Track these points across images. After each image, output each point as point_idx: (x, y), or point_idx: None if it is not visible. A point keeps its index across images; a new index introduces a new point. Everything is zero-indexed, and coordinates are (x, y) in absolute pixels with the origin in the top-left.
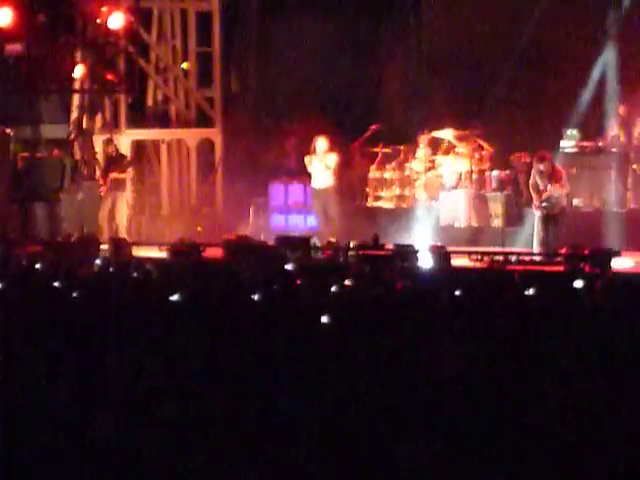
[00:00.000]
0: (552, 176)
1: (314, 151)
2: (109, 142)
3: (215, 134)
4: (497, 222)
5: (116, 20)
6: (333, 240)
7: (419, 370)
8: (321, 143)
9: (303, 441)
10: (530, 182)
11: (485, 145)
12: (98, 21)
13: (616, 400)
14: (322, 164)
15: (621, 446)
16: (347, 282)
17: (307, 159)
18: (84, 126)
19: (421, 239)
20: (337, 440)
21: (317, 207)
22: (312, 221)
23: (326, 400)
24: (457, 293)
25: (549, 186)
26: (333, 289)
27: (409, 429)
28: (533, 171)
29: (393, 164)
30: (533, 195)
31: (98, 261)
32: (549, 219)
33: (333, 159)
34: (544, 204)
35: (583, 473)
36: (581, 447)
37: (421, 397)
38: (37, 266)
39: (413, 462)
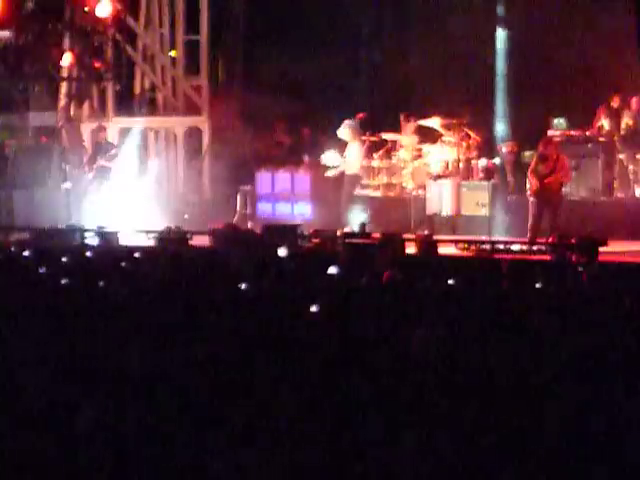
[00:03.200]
0: (556, 163)
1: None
2: (100, 129)
3: (202, 122)
4: (484, 211)
5: (104, 8)
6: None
7: (407, 357)
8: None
9: (287, 429)
10: (530, 167)
11: (472, 134)
12: (86, 9)
13: (603, 387)
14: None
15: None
16: (334, 270)
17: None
18: (72, 114)
19: (408, 227)
20: (323, 429)
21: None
22: (299, 209)
23: (312, 388)
24: (444, 281)
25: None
26: (321, 277)
27: (395, 418)
28: (535, 156)
29: (380, 152)
30: (532, 181)
31: (86, 249)
32: (544, 206)
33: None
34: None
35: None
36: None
37: (408, 384)
38: (25, 253)
39: (404, 450)
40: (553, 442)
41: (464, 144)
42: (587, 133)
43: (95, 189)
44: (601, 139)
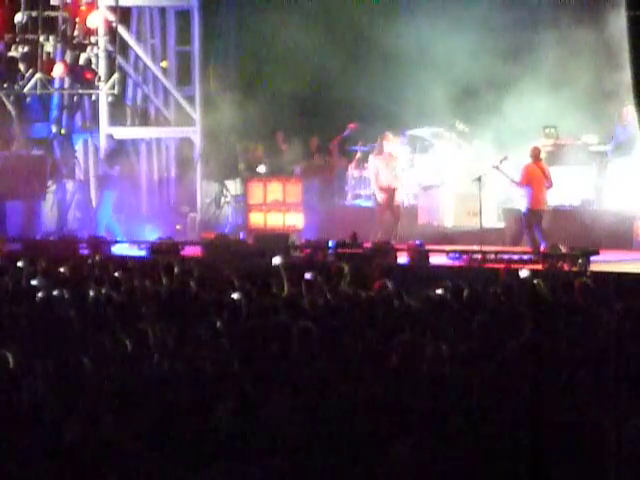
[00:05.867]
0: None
1: (380, 152)
2: (110, 137)
3: (194, 133)
4: (476, 220)
5: (95, 19)
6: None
7: (401, 368)
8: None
9: (282, 442)
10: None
11: (464, 143)
12: (77, 20)
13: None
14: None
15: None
16: (325, 280)
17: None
18: (64, 125)
19: (399, 237)
20: (315, 441)
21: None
22: (291, 219)
23: (304, 401)
24: (436, 291)
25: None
26: (312, 287)
27: (390, 428)
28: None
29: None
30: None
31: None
32: (538, 217)
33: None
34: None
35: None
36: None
37: (400, 395)
38: (18, 264)
39: (399, 460)
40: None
41: (455, 154)
42: (578, 142)
43: (99, 198)
44: (592, 148)
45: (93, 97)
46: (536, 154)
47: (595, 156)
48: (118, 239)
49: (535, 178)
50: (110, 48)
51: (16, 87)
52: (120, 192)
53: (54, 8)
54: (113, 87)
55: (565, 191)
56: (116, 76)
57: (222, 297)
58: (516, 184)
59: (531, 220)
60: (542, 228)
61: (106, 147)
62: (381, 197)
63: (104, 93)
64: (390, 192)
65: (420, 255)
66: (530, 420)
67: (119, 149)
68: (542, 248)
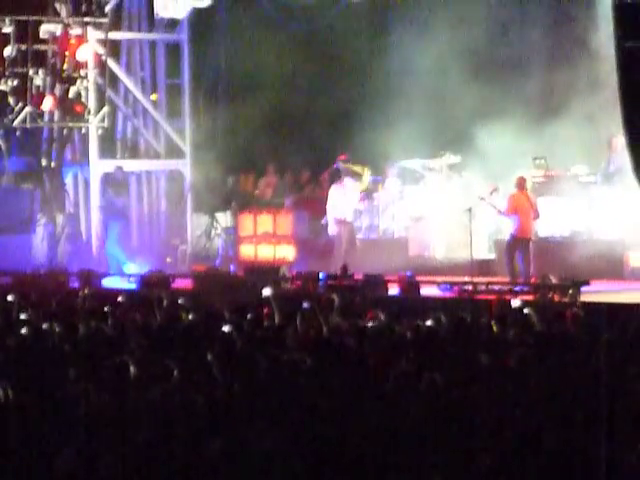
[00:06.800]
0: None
1: (340, 181)
2: (120, 169)
3: (184, 165)
4: (466, 252)
5: (85, 52)
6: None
7: (390, 402)
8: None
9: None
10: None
11: (454, 175)
12: (67, 53)
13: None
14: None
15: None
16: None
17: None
18: (53, 158)
19: (390, 269)
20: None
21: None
22: (281, 251)
23: (295, 433)
24: (427, 323)
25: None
26: (304, 319)
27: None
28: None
29: (362, 194)
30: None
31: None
32: (522, 245)
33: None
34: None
35: None
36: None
37: (390, 429)
38: (8, 298)
39: None
40: None
41: (445, 185)
42: (568, 173)
43: (105, 229)
44: (582, 179)
45: (83, 130)
46: (521, 183)
47: (585, 187)
48: (120, 270)
49: (521, 207)
50: (100, 81)
51: (5, 120)
52: (124, 223)
53: (43, 41)
54: (103, 120)
55: (555, 222)
56: (106, 109)
57: (213, 330)
58: (503, 214)
59: (513, 248)
60: (529, 258)
61: (115, 178)
62: (333, 229)
63: (94, 126)
64: (345, 225)
65: (411, 286)
66: (527, 449)
67: (125, 181)
68: (522, 279)
